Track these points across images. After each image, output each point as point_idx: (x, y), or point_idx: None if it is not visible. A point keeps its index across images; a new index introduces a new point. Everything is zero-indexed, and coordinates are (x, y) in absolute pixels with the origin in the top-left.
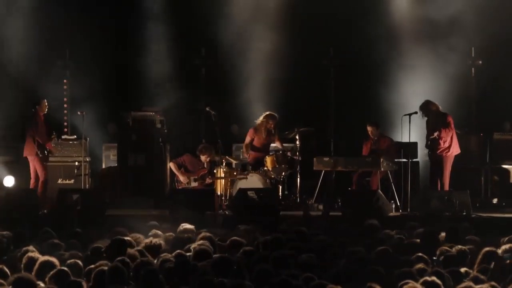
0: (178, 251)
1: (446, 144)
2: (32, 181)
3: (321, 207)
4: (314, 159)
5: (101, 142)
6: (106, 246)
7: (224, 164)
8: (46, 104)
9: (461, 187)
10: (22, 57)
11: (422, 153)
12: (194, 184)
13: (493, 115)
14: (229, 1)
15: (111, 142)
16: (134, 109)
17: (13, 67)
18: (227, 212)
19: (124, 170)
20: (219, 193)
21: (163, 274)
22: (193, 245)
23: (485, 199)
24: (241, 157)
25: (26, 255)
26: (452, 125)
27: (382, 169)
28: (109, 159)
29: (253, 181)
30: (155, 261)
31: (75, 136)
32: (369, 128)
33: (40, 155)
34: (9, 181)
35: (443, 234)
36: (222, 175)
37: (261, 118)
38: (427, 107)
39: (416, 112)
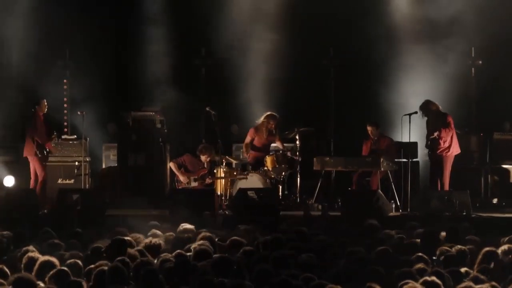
0: (178, 251)
1: (446, 144)
2: (32, 181)
3: (320, 207)
4: (314, 159)
5: (101, 142)
6: (106, 246)
7: (224, 164)
8: (46, 104)
9: (461, 187)
10: (22, 57)
11: (422, 153)
12: (194, 184)
13: (493, 115)
14: (229, 1)
15: (111, 142)
16: (134, 109)
17: (13, 67)
18: (227, 212)
19: (124, 170)
20: (219, 193)
21: (163, 274)
22: (193, 245)
23: (485, 199)
24: (241, 157)
25: (26, 255)
26: (452, 125)
27: (382, 169)
28: (109, 159)
29: (253, 181)
30: (155, 261)
31: (75, 136)
32: (369, 128)
33: (39, 155)
34: (9, 181)
35: (443, 234)
36: (222, 175)
37: (262, 118)
38: (427, 107)
39: (416, 112)
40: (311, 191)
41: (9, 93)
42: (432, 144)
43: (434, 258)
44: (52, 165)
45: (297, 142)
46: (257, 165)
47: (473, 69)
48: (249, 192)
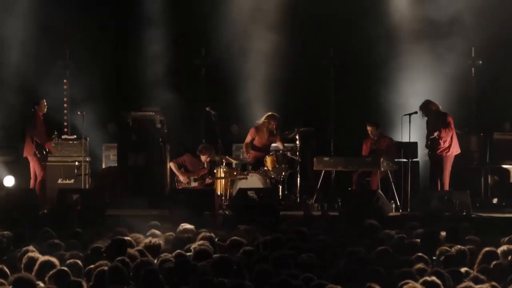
0: (178, 251)
1: (446, 144)
2: (32, 181)
3: (320, 206)
4: (314, 159)
5: (101, 142)
6: (106, 246)
7: (224, 164)
8: (45, 104)
9: (461, 187)
10: (22, 57)
11: (422, 153)
12: (194, 184)
13: (493, 115)
14: (229, 1)
15: (111, 142)
16: (134, 109)
17: (13, 67)
18: (227, 212)
19: (124, 170)
20: (219, 193)
21: (163, 274)
22: (193, 245)
23: (485, 199)
24: (241, 157)
25: (26, 255)
26: (452, 125)
27: (382, 169)
28: (109, 159)
29: (253, 181)
30: (155, 261)
31: (75, 136)
32: (369, 128)
33: (38, 155)
34: (9, 181)
35: (443, 234)
36: (222, 175)
37: (262, 118)
38: (427, 107)
39: (416, 112)
40: (311, 191)
41: (9, 93)
42: (432, 144)
43: (434, 258)
44: (52, 165)
45: (297, 142)
46: (257, 165)
47: (473, 69)
48: (249, 192)
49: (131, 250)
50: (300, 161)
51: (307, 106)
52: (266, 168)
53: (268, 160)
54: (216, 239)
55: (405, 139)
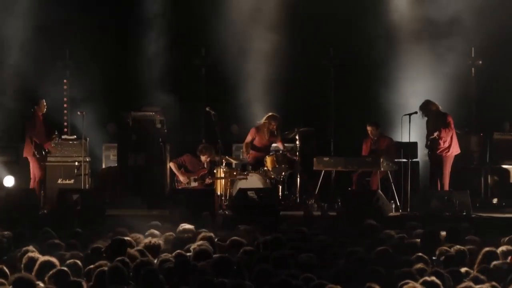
0: (178, 251)
1: (446, 144)
2: (32, 181)
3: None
4: (314, 159)
5: (101, 142)
6: (106, 246)
7: (224, 164)
8: (45, 104)
9: (461, 187)
10: (22, 57)
11: (422, 153)
12: (194, 184)
13: (493, 115)
14: (229, 1)
15: (111, 142)
16: (134, 109)
17: (13, 67)
18: (227, 212)
19: (124, 170)
20: (219, 193)
21: (163, 274)
22: (193, 245)
23: (485, 199)
24: (241, 157)
25: (26, 255)
26: (452, 125)
27: (382, 169)
28: (109, 159)
29: (253, 181)
30: (155, 261)
31: (75, 136)
32: (369, 128)
33: (37, 156)
34: (9, 181)
35: (443, 234)
36: (222, 175)
37: (263, 119)
38: (427, 107)
39: (416, 112)
40: (311, 191)
41: (9, 93)
42: (432, 144)
43: (434, 258)
44: (52, 165)
45: (297, 142)
46: (257, 165)
47: (473, 69)
48: (249, 192)
49: (131, 250)
50: (300, 161)
51: (307, 106)
52: (266, 168)
53: (268, 160)
54: (216, 239)
55: (405, 139)
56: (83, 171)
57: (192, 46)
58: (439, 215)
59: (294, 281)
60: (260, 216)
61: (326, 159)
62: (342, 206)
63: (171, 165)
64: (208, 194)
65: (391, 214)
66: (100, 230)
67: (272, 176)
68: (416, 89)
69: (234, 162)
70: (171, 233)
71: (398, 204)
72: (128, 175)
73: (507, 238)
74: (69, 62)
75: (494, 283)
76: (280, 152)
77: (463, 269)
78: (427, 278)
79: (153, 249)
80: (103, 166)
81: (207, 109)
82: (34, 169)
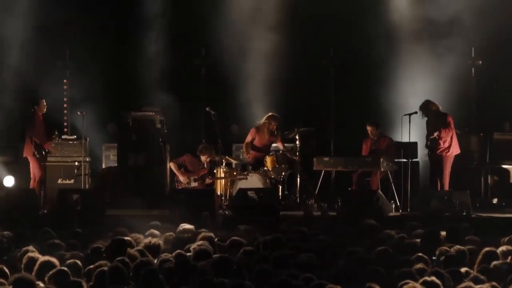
0: (178, 251)
1: (446, 144)
2: (32, 181)
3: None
4: (314, 159)
5: (101, 142)
6: (106, 246)
7: (224, 164)
8: (45, 104)
9: (461, 187)
10: (22, 57)
11: (422, 153)
12: (194, 184)
13: (493, 115)
14: (229, 1)
15: (111, 142)
16: (134, 109)
17: (13, 67)
18: (227, 212)
19: (124, 170)
20: (219, 193)
21: (163, 274)
22: (193, 245)
23: (485, 199)
24: (241, 157)
25: (26, 255)
26: (452, 125)
27: (382, 169)
28: (109, 159)
29: (253, 181)
30: (155, 261)
31: (75, 136)
32: (369, 128)
33: (37, 156)
34: (9, 181)
35: (443, 234)
36: (222, 175)
37: (263, 119)
38: (427, 107)
39: (416, 112)
40: (311, 191)
41: (9, 93)
42: (432, 144)
43: (434, 258)
44: (52, 165)
45: (297, 142)
46: (257, 165)
47: (473, 69)
48: (249, 192)
49: (131, 250)
50: (300, 161)
51: (307, 106)
52: (266, 168)
53: (268, 160)
54: (216, 239)
55: (405, 139)
56: (83, 171)
57: (192, 46)
58: (439, 215)
59: (294, 281)
60: (260, 216)
61: (326, 159)
62: (342, 206)
63: (171, 165)
64: (208, 194)
65: (391, 214)
66: (100, 230)
67: (272, 176)
68: (416, 89)
69: (234, 162)
70: (171, 233)
71: (398, 204)
72: (128, 175)
73: (507, 238)
74: (69, 62)
75: (494, 283)
76: (280, 152)
77: (463, 269)
78: (427, 278)
79: (153, 249)
80: (103, 166)
81: (207, 109)
82: (34, 169)
